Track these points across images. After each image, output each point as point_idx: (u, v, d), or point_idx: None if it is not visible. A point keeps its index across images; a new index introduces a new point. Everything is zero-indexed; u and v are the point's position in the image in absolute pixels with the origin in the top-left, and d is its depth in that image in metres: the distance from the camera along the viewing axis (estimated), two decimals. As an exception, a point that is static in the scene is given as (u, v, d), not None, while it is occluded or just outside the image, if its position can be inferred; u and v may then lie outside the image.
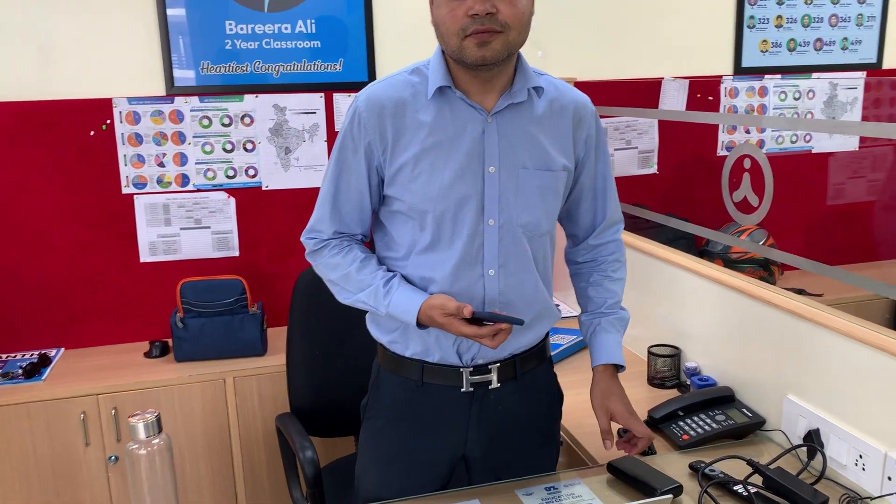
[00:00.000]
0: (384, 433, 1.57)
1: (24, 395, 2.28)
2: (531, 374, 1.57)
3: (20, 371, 2.38)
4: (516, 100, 1.41)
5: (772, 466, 1.55)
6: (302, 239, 1.53)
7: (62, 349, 2.61)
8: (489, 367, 1.51)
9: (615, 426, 1.57)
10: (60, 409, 2.29)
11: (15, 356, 2.53)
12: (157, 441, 1.30)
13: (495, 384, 1.51)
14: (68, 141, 2.52)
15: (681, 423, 1.80)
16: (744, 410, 1.81)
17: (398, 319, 1.45)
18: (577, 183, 1.55)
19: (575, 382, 2.15)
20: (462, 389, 1.50)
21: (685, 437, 1.75)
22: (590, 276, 1.65)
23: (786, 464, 1.57)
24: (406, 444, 1.55)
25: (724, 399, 1.86)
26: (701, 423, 1.79)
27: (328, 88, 2.70)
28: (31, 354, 2.54)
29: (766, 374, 1.81)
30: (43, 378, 2.37)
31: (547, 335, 1.63)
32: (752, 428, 1.78)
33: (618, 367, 1.59)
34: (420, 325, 1.43)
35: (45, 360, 2.47)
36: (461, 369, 1.49)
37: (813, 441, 1.62)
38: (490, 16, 1.29)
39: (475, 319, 1.37)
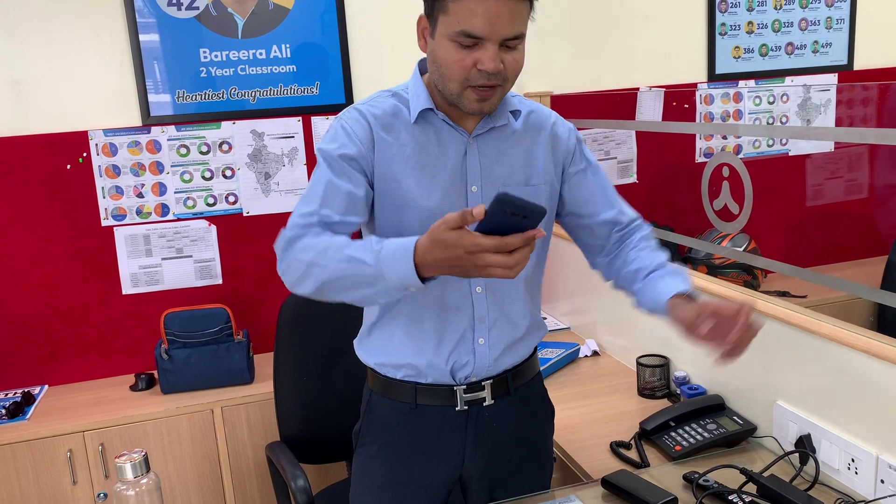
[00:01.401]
0: (378, 458, 1.55)
1: (9, 436, 2.24)
2: (524, 389, 1.57)
3: (3, 411, 2.34)
4: (498, 123, 1.43)
5: (765, 474, 1.55)
6: (282, 231, 1.38)
7: (46, 386, 2.57)
8: (482, 383, 1.50)
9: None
10: (46, 447, 2.25)
11: (-2, 396, 2.50)
12: (145, 481, 1.28)
13: (489, 401, 1.51)
14: (45, 176, 2.50)
15: (673, 434, 1.80)
16: (735, 418, 1.81)
17: (392, 277, 1.19)
18: (577, 199, 1.54)
19: (565, 396, 2.16)
20: (457, 408, 1.49)
21: (678, 447, 1.75)
22: (627, 253, 1.56)
23: (779, 470, 1.57)
24: (402, 468, 1.53)
25: (715, 407, 1.87)
26: (693, 432, 1.79)
27: (306, 112, 2.70)
28: (14, 393, 2.50)
29: (754, 381, 1.82)
30: (27, 417, 2.34)
31: (535, 349, 1.63)
32: (744, 435, 1.78)
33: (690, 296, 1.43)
34: (422, 276, 1.19)
35: (28, 399, 2.43)
36: (455, 388, 1.48)
37: (805, 446, 1.62)
38: (497, 72, 1.29)
39: (491, 223, 1.11)
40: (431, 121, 1.41)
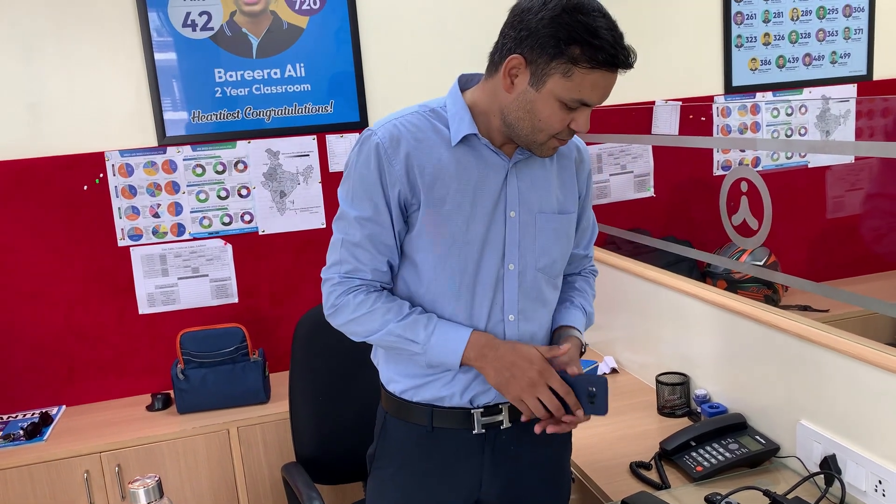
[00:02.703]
0: (394, 482, 1.53)
1: (26, 457, 2.24)
2: None
3: (21, 432, 2.35)
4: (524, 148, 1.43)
5: (789, 496, 1.51)
6: (331, 276, 1.43)
7: (63, 407, 2.57)
8: (500, 406, 1.47)
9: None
10: (63, 469, 2.25)
11: (16, 416, 2.50)
12: (158, 507, 1.27)
13: (507, 424, 1.48)
14: (62, 197, 2.52)
15: (693, 454, 1.77)
16: (757, 437, 1.78)
17: (433, 359, 1.38)
18: (580, 218, 1.58)
19: (584, 416, 2.13)
20: (474, 432, 1.47)
21: (699, 468, 1.72)
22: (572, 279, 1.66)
23: (804, 492, 1.53)
24: (418, 491, 1.51)
25: (737, 426, 1.83)
26: (714, 452, 1.75)
27: (320, 130, 2.70)
28: (33, 414, 2.50)
29: (777, 400, 1.78)
30: (45, 438, 2.34)
31: None
32: (767, 455, 1.75)
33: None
34: (463, 363, 1.37)
35: (46, 419, 2.44)
36: (472, 411, 1.46)
37: (830, 467, 1.58)
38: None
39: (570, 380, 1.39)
40: (474, 144, 1.40)
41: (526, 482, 1.53)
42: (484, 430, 1.47)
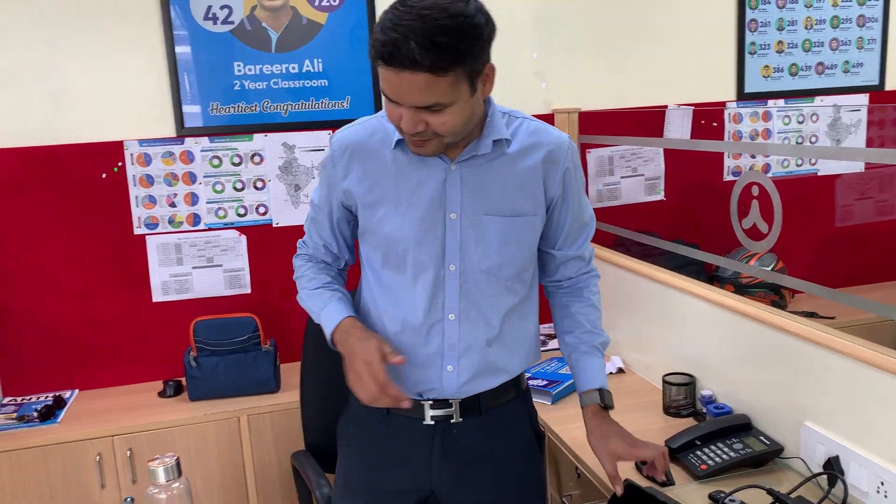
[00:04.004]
0: (351, 462, 1.59)
1: (40, 438, 2.28)
2: (498, 411, 1.54)
3: (35, 414, 2.38)
4: (480, 151, 1.41)
5: (792, 495, 1.54)
6: (298, 243, 1.62)
7: (76, 391, 2.61)
8: (450, 401, 1.50)
9: (622, 466, 1.53)
10: (76, 451, 2.29)
11: (30, 399, 2.54)
12: (176, 485, 1.30)
13: (457, 419, 1.51)
14: (80, 184, 2.56)
15: (698, 453, 1.79)
16: (761, 438, 1.80)
17: (322, 326, 1.50)
18: (554, 219, 1.53)
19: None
20: (424, 422, 1.50)
21: (703, 466, 1.74)
22: (574, 309, 1.64)
23: (806, 492, 1.56)
24: (371, 473, 1.55)
25: (741, 427, 1.85)
26: (719, 451, 1.78)
27: (336, 126, 2.73)
28: (46, 397, 2.54)
29: (782, 401, 1.81)
30: (58, 420, 2.38)
31: (523, 372, 1.61)
32: (771, 456, 1.77)
33: (605, 406, 1.55)
34: (332, 342, 1.47)
35: (59, 402, 2.48)
36: (422, 402, 1.49)
37: (833, 468, 1.61)
38: (421, 131, 1.30)
39: None
40: None
41: (481, 479, 1.54)
42: (434, 422, 1.50)
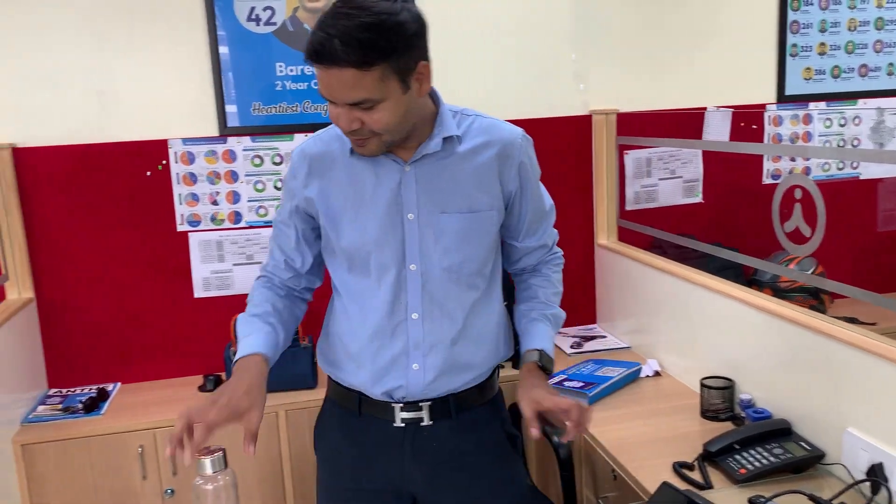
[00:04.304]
0: (327, 460, 1.63)
1: (85, 430, 2.34)
2: (471, 414, 1.56)
3: (80, 405, 2.44)
4: (430, 150, 1.43)
5: (834, 502, 1.52)
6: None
7: (119, 384, 2.67)
8: (420, 404, 1.52)
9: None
10: (119, 442, 2.34)
11: (74, 391, 2.60)
12: (222, 477, 1.33)
13: (427, 422, 1.52)
14: (125, 181, 2.61)
15: (737, 457, 1.78)
16: (802, 444, 1.79)
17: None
18: (514, 212, 1.55)
19: (625, 416, 2.16)
20: (395, 424, 1.53)
21: (742, 470, 1.73)
22: (531, 277, 1.66)
23: (849, 499, 1.54)
24: (345, 472, 1.59)
25: (781, 432, 1.84)
26: (758, 456, 1.76)
27: (375, 125, 2.76)
28: (90, 389, 2.60)
29: (823, 407, 1.79)
30: (102, 412, 2.44)
31: (493, 374, 1.61)
32: (812, 462, 1.76)
33: (545, 369, 1.54)
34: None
35: (103, 395, 2.54)
36: (392, 404, 1.52)
37: (876, 475, 1.59)
38: (357, 129, 1.34)
39: None
40: None
41: (450, 478, 1.55)
42: (404, 424, 1.52)
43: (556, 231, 1.66)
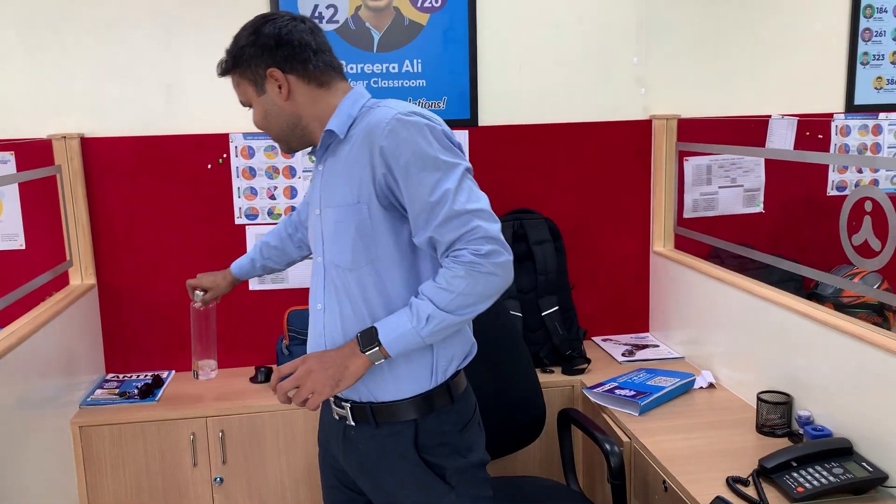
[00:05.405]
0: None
1: (140, 415, 2.39)
2: (391, 427, 1.54)
3: (136, 391, 2.50)
4: (321, 147, 1.55)
5: (898, 526, 1.47)
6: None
7: (173, 371, 2.73)
8: (343, 403, 1.57)
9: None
10: (172, 429, 2.39)
11: (131, 376, 2.67)
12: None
13: (351, 422, 1.57)
14: (188, 173, 2.67)
15: (794, 475, 1.73)
16: (863, 464, 1.73)
17: None
18: (402, 204, 1.45)
19: (678, 427, 2.12)
20: (334, 416, 1.62)
21: (800, 489, 1.68)
22: None
23: (913, 524, 1.49)
24: (322, 446, 1.74)
25: (842, 451, 1.78)
26: (817, 475, 1.71)
27: (432, 125, 2.76)
28: (146, 376, 2.66)
29: (888, 427, 1.72)
30: (157, 399, 2.49)
31: (425, 397, 1.52)
32: (873, 483, 1.69)
33: (360, 342, 1.46)
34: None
35: (158, 382, 2.59)
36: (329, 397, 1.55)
37: (943, 501, 1.53)
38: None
39: None
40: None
41: (366, 485, 1.60)
42: (338, 418, 1.60)
43: (462, 231, 1.39)
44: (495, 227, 1.41)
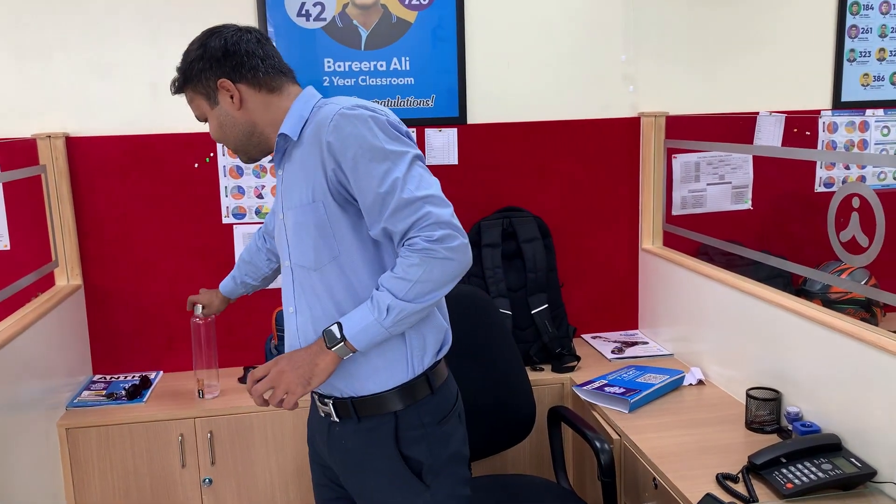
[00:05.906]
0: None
1: (127, 416, 2.37)
2: (372, 421, 1.54)
3: (123, 392, 2.48)
4: (277, 151, 1.56)
5: (886, 521, 1.47)
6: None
7: (161, 372, 2.71)
8: (325, 399, 1.57)
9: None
10: (160, 430, 2.37)
11: (118, 377, 2.65)
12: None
13: (335, 418, 1.57)
14: (174, 173, 2.65)
15: (784, 471, 1.74)
16: (852, 460, 1.73)
17: None
18: (356, 198, 1.45)
19: (667, 424, 2.12)
20: (319, 413, 1.62)
21: (789, 485, 1.69)
22: None
23: (901, 519, 1.49)
24: (310, 442, 1.73)
25: (831, 447, 1.79)
26: (806, 471, 1.72)
27: (420, 124, 2.75)
28: (134, 376, 2.65)
29: (876, 423, 1.73)
30: (144, 400, 2.47)
31: (405, 388, 1.52)
32: (862, 479, 1.70)
33: (326, 339, 1.46)
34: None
35: (145, 383, 2.57)
36: (313, 393, 1.58)
37: (931, 496, 1.53)
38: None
39: None
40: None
41: (361, 485, 1.59)
42: (323, 415, 1.61)
43: (414, 218, 1.38)
44: (447, 211, 1.40)
